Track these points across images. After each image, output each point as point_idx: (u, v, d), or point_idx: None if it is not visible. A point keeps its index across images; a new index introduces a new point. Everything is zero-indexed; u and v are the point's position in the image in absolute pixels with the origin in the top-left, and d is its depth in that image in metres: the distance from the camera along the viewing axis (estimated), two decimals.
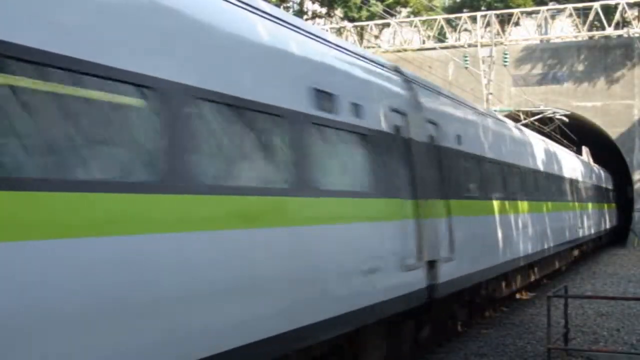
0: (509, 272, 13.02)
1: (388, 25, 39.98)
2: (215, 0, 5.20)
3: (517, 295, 15.32)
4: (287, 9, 43.52)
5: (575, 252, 22.62)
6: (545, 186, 16.72)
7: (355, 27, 39.75)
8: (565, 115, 29.48)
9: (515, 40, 36.27)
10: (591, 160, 28.76)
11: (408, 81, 8.70)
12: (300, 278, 5.56)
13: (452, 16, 38.92)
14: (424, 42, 37.96)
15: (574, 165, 22.85)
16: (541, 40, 36.29)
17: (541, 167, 16.50)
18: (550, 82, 33.62)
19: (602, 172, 32.05)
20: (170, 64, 4.40)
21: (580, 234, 21.30)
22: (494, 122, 13.36)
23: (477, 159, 11.11)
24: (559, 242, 17.11)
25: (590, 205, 24.71)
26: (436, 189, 8.77)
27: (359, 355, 7.07)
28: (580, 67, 33.25)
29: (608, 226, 31.18)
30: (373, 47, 37.24)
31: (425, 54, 35.11)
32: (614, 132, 32.57)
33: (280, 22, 6.03)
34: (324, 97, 6.17)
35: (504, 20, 36.74)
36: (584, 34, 35.47)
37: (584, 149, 29.98)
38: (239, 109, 5.04)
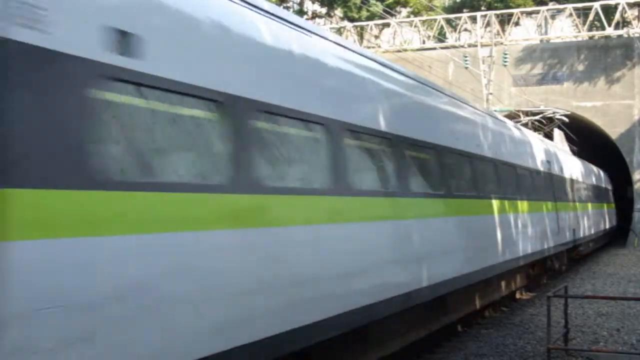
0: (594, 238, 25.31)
1: (388, 25, 39.98)
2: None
3: (517, 295, 15.34)
4: (287, 8, 43.53)
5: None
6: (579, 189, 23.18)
7: (355, 27, 39.75)
8: (565, 115, 29.46)
9: (515, 40, 36.26)
10: (566, 146, 25.91)
11: (559, 148, 17.43)
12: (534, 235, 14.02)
13: (452, 16, 38.91)
14: (424, 42, 37.95)
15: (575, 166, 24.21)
16: (541, 40, 36.28)
17: (574, 176, 22.07)
18: (550, 82, 33.62)
19: (594, 168, 30.62)
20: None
21: (582, 233, 21.84)
22: (574, 157, 23.25)
23: (568, 180, 19.58)
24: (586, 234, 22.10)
25: (590, 205, 25.08)
26: (566, 196, 18.24)
27: (552, 262, 17.56)
28: (580, 67, 33.25)
29: (608, 226, 30.89)
30: (373, 47, 37.24)
31: (425, 54, 35.11)
32: (614, 132, 32.57)
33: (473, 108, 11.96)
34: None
35: (504, 20, 36.73)
36: (584, 34, 35.47)
37: (557, 132, 26.08)
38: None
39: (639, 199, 32.00)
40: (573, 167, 21.95)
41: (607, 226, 30.86)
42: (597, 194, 28.33)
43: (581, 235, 20.99)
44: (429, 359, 9.60)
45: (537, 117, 28.67)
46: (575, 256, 21.75)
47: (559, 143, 23.56)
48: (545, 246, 15.15)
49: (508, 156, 12.65)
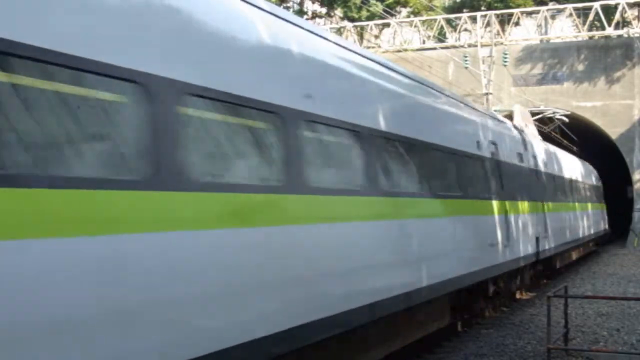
0: (572, 247, 20.86)
1: (388, 25, 39.99)
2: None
3: (517, 295, 15.33)
4: (287, 8, 43.53)
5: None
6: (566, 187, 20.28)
7: (355, 27, 39.76)
8: (565, 115, 29.49)
9: (515, 40, 36.27)
10: (532, 129, 19.61)
11: (518, 129, 14.95)
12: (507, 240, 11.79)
13: (452, 16, 38.92)
14: (424, 42, 37.97)
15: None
16: (541, 40, 36.30)
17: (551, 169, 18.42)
18: (550, 82, 33.63)
19: (575, 160, 24.91)
20: None
21: (551, 243, 16.33)
22: (544, 144, 18.43)
23: (531, 172, 15.02)
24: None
25: (567, 205, 19.86)
26: (525, 193, 13.92)
27: (521, 275, 14.46)
28: (580, 67, 33.26)
29: (593, 231, 25.82)
30: (373, 47, 37.25)
31: (425, 54, 35.12)
32: (614, 132, 32.58)
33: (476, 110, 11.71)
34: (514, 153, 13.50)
35: (504, 20, 36.74)
36: (584, 34, 35.48)
37: (517, 109, 19.74)
38: None
39: (639, 199, 32.00)
40: (541, 156, 16.70)
41: (593, 231, 25.45)
42: (580, 191, 23.27)
43: (550, 245, 15.79)
44: (429, 359, 9.61)
45: (537, 117, 28.67)
46: (540, 272, 16.88)
47: (521, 123, 17.75)
48: (483, 266, 10.46)
49: (414, 130, 8.23)
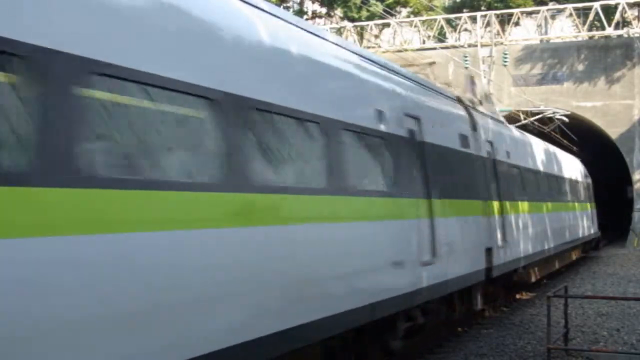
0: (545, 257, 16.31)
1: (388, 25, 39.99)
2: None
3: (517, 295, 15.32)
4: (287, 8, 43.55)
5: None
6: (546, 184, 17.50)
7: (355, 27, 39.77)
8: (565, 115, 29.45)
9: (515, 40, 36.26)
10: (494, 109, 16.25)
11: (464, 103, 11.55)
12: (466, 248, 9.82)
13: (452, 16, 38.92)
14: (424, 42, 37.96)
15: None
16: (541, 40, 36.28)
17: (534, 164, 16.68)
18: (550, 82, 33.60)
19: (552, 149, 21.01)
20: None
21: (508, 254, 12.34)
22: (505, 127, 15.05)
23: (482, 160, 11.41)
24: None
25: (538, 205, 15.84)
26: (468, 189, 10.53)
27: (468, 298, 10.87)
28: (580, 67, 33.24)
29: (579, 236, 22.19)
30: (373, 47, 37.25)
31: (425, 54, 35.10)
32: (614, 132, 32.56)
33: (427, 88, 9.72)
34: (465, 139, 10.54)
35: (504, 20, 36.72)
36: (584, 34, 35.47)
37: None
38: None
39: (639, 199, 31.99)
40: (500, 142, 13.11)
41: (577, 236, 21.60)
42: (558, 188, 19.31)
43: (511, 257, 12.19)
44: (429, 359, 9.61)
45: (537, 117, 28.68)
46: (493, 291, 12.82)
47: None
48: (380, 297, 6.96)
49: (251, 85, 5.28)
